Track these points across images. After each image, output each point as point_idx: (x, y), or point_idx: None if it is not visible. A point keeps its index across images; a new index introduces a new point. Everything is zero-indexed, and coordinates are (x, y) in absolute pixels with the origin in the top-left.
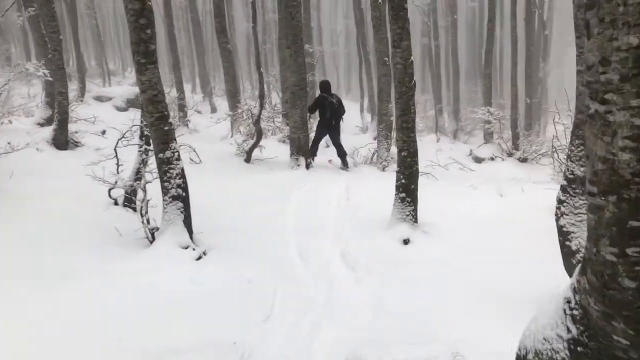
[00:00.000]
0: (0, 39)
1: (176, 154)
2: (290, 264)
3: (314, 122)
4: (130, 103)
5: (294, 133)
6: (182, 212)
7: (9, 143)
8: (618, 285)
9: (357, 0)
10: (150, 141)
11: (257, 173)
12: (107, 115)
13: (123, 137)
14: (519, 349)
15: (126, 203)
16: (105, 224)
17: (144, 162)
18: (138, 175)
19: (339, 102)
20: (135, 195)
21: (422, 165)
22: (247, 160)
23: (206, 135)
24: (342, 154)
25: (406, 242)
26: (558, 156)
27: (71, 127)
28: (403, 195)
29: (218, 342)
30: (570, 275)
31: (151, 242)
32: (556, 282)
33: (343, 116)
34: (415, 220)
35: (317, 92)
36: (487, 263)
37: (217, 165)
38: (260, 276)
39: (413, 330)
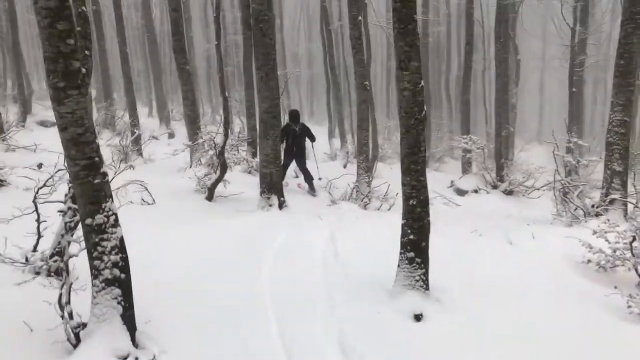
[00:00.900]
0: None
1: (112, 217)
2: None
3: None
4: None
5: (265, 167)
6: (120, 303)
7: None
8: None
9: (325, 21)
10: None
11: (221, 216)
12: (50, 142)
13: (45, 185)
14: None
15: (52, 273)
16: (10, 313)
17: (68, 229)
18: (59, 246)
19: (303, 130)
20: (58, 273)
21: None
22: (209, 197)
23: (162, 165)
24: (309, 179)
25: (418, 317)
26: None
27: (4, 157)
28: (411, 255)
29: None
30: None
31: (74, 347)
32: None
33: (313, 143)
34: (427, 287)
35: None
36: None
37: (174, 206)
38: None
39: None
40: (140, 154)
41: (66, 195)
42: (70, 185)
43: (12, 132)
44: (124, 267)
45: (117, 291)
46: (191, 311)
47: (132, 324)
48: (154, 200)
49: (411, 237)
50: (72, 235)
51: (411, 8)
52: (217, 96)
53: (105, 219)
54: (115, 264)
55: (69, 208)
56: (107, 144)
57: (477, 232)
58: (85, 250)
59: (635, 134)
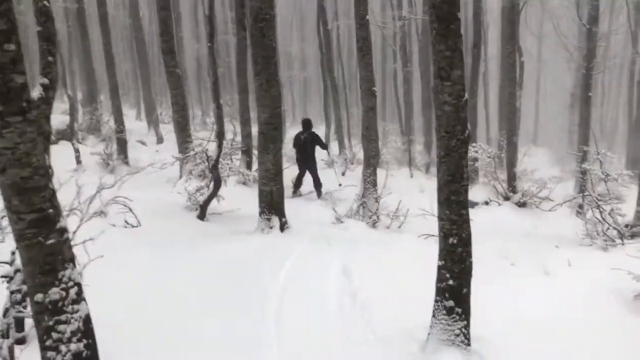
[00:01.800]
0: None
1: (72, 290)
2: None
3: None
4: (61, 134)
5: (265, 185)
6: None
7: None
8: None
9: (323, 21)
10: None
11: (215, 240)
12: None
13: None
14: None
15: None
16: None
17: (15, 301)
18: (6, 316)
19: (313, 138)
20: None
21: (412, 212)
22: (202, 216)
23: (150, 176)
24: (317, 185)
25: None
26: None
27: None
28: (451, 304)
29: None
30: None
31: None
32: None
33: (326, 151)
34: (469, 342)
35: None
36: None
37: (161, 228)
38: None
39: None
40: (126, 163)
41: (13, 253)
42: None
43: None
44: (92, 356)
45: None
46: None
47: None
48: (138, 222)
49: (450, 282)
50: (24, 309)
51: (454, 5)
52: (207, 98)
53: (64, 294)
54: (77, 356)
55: (17, 271)
56: (91, 152)
57: (507, 259)
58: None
59: None
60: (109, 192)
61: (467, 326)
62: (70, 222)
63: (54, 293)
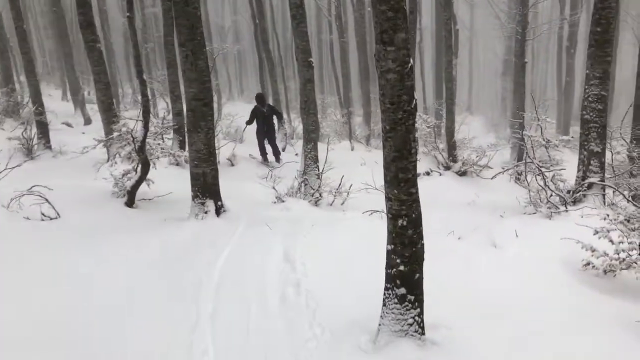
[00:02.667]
0: None
1: None
2: None
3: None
4: None
5: (197, 167)
6: None
7: None
8: None
9: None
10: None
11: (144, 229)
12: None
13: None
14: None
15: None
16: None
17: None
18: None
19: (271, 110)
20: None
21: (355, 187)
22: (130, 202)
23: (75, 161)
24: (276, 153)
25: None
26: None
27: None
28: (402, 291)
29: None
30: None
31: None
32: None
33: (282, 120)
34: (423, 331)
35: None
36: None
37: (83, 218)
38: None
39: None
40: (49, 147)
41: None
42: None
43: None
44: None
45: None
46: None
47: None
48: (57, 214)
49: (401, 267)
50: None
51: None
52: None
53: None
54: None
55: None
56: (8, 137)
57: (454, 234)
58: None
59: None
60: (24, 181)
61: (420, 314)
62: None
63: None
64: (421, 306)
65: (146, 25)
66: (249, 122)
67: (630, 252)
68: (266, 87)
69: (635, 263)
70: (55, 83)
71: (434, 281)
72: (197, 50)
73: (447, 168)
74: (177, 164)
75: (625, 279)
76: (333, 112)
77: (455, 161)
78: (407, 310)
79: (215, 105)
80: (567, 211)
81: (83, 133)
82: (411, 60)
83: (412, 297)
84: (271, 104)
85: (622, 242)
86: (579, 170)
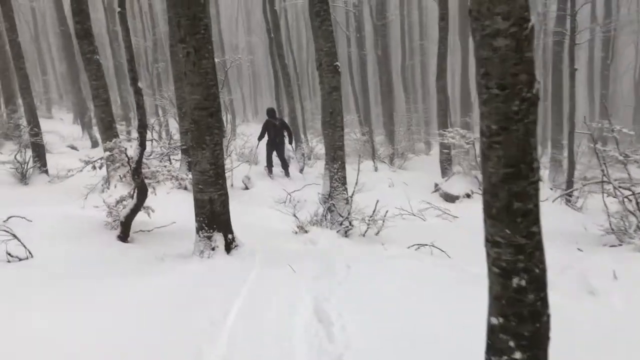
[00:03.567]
0: None
1: None
2: None
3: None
4: None
5: (202, 192)
6: None
7: None
8: None
9: (270, 1)
10: None
11: (137, 271)
12: None
13: None
14: None
15: None
16: None
17: None
18: None
19: (282, 124)
20: None
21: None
22: (124, 236)
23: (70, 184)
24: (285, 166)
25: None
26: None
27: None
28: None
29: None
30: None
31: None
32: None
33: (292, 141)
34: None
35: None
36: None
37: (61, 258)
38: None
39: None
40: (45, 171)
41: None
42: None
43: None
44: None
45: None
46: None
47: None
48: (29, 253)
49: (517, 355)
50: None
51: None
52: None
53: None
54: None
55: None
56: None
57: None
58: None
59: None
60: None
61: None
62: None
63: None
64: None
65: (157, 45)
66: (260, 137)
67: None
68: (281, 105)
69: None
70: (67, 107)
71: None
72: (200, 46)
73: None
74: (185, 188)
75: None
76: (352, 130)
77: None
78: None
79: (228, 126)
80: None
81: (87, 156)
82: (531, 20)
83: None
84: (286, 122)
85: None
86: None
